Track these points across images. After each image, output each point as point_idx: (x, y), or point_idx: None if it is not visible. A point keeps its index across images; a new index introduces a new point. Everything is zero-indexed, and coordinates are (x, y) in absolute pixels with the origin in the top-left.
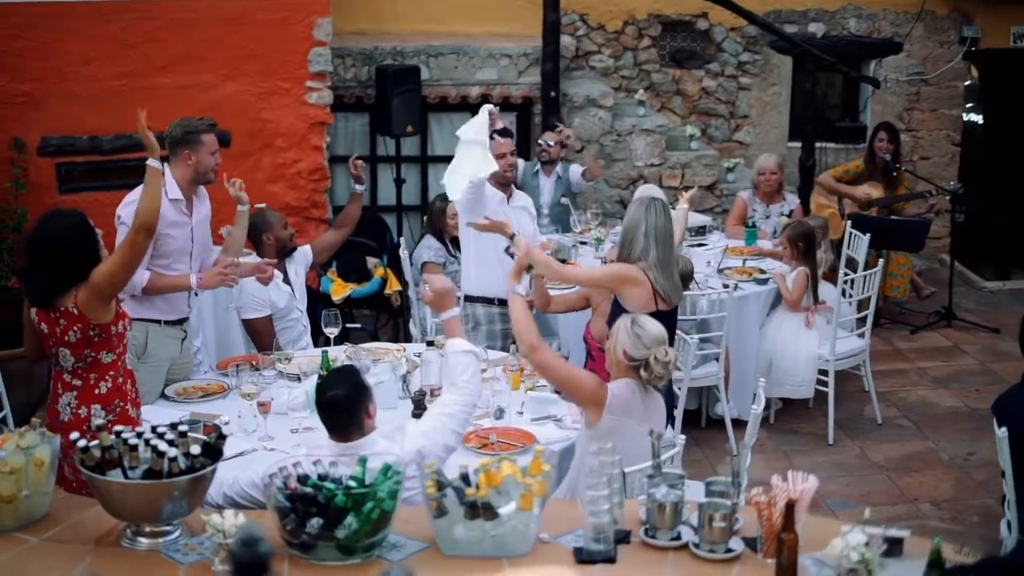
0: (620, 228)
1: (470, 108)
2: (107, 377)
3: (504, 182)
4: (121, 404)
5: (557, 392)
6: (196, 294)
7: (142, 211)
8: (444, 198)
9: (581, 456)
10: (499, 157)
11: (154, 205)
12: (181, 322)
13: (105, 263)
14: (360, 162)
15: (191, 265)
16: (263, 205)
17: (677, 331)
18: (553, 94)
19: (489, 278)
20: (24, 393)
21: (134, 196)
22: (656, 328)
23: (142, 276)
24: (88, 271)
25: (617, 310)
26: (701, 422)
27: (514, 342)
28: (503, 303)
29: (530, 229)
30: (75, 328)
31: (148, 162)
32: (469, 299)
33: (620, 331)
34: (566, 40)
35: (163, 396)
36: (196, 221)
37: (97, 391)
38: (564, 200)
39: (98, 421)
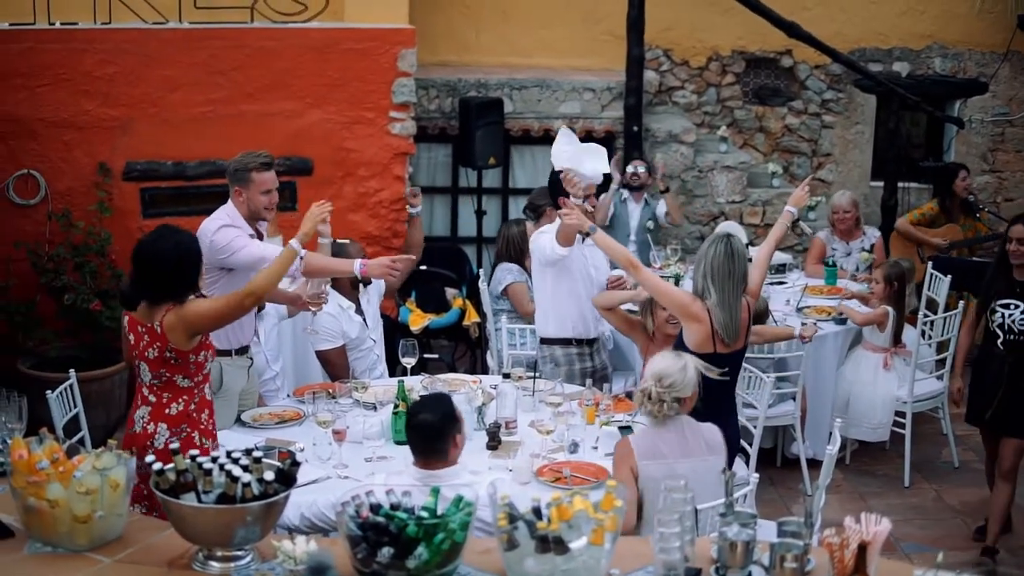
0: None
1: (552, 142)
2: (180, 400)
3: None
4: (188, 430)
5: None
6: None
7: (259, 281)
8: (519, 222)
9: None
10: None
11: (274, 279)
12: (246, 349)
13: (205, 302)
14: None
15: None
16: (347, 240)
17: (752, 368)
18: (636, 128)
19: (566, 318)
20: (103, 414)
21: (219, 217)
22: (661, 363)
23: (296, 263)
24: (184, 293)
25: (679, 345)
26: (776, 461)
27: (593, 378)
28: (580, 343)
29: (605, 266)
30: (155, 346)
31: (292, 242)
32: (546, 341)
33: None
34: (649, 75)
35: (239, 421)
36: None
37: (167, 411)
38: (650, 224)
39: (162, 439)
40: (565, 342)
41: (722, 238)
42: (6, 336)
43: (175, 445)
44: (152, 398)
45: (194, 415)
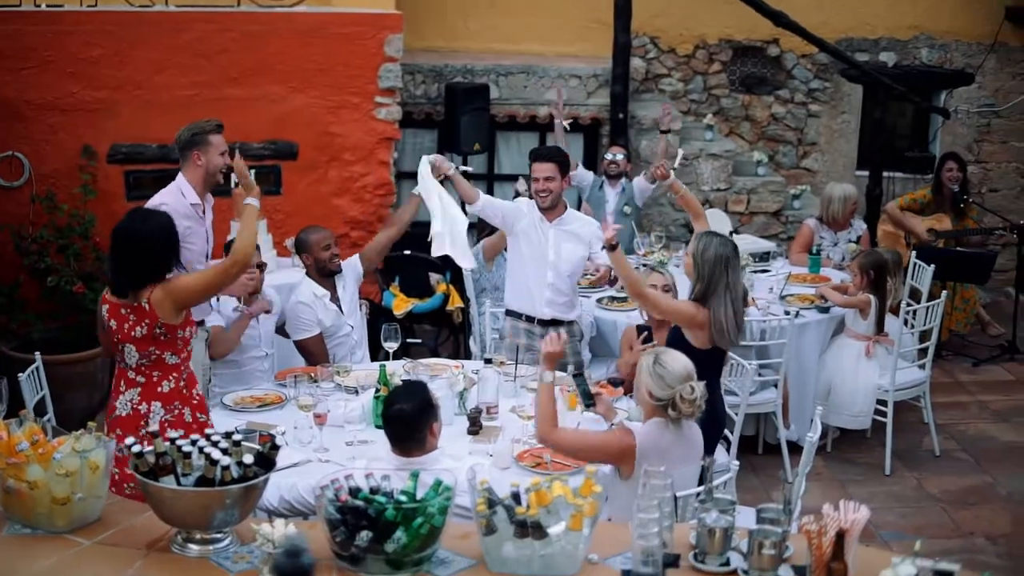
0: (684, 252)
1: (538, 128)
2: (170, 377)
3: (541, 206)
4: (180, 406)
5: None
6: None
7: (239, 246)
8: None
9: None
10: (535, 181)
11: (251, 241)
12: (202, 323)
13: (191, 276)
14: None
15: (206, 265)
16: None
17: (733, 356)
18: (621, 116)
19: (511, 291)
20: (85, 396)
21: (162, 199)
22: (679, 366)
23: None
24: (165, 272)
25: (677, 338)
26: (758, 448)
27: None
28: (530, 320)
29: (576, 255)
30: (143, 324)
31: (247, 200)
32: (506, 313)
33: (643, 371)
34: (636, 63)
35: (221, 405)
36: (208, 223)
37: (160, 389)
38: (627, 209)
39: (156, 417)
40: (515, 315)
41: (713, 235)
42: None
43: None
44: (141, 379)
45: (184, 391)
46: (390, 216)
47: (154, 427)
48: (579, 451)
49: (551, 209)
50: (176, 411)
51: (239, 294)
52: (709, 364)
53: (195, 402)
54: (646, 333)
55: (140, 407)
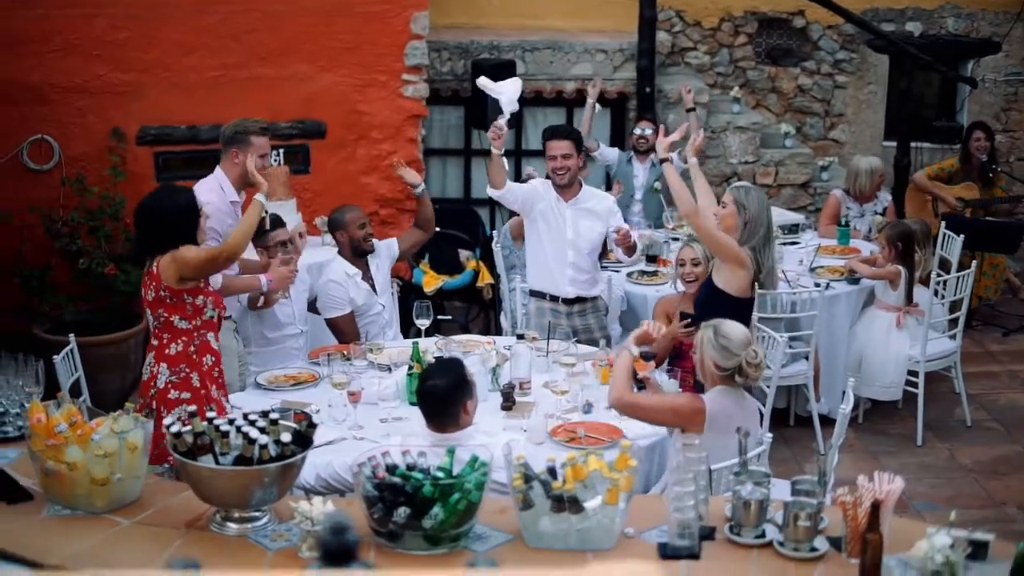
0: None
1: (565, 103)
2: (179, 341)
3: (556, 184)
4: (187, 370)
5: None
6: (263, 293)
7: (233, 238)
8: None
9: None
10: (551, 159)
11: (246, 235)
12: (229, 316)
13: (193, 250)
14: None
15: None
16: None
17: (764, 329)
18: (648, 90)
19: (534, 272)
20: (118, 377)
21: (206, 197)
22: (739, 332)
23: (216, 280)
24: (179, 244)
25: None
26: (790, 420)
27: (578, 341)
28: (555, 300)
29: (594, 231)
30: (151, 286)
31: (256, 195)
32: (531, 294)
33: (705, 345)
34: (662, 36)
35: (255, 384)
36: None
37: (167, 351)
38: (657, 184)
39: (162, 379)
40: (539, 295)
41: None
42: (22, 301)
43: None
44: (155, 342)
45: (194, 356)
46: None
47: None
48: (654, 412)
49: (567, 188)
50: (182, 374)
51: (281, 288)
52: (744, 316)
53: (207, 370)
54: (688, 320)
55: (152, 369)
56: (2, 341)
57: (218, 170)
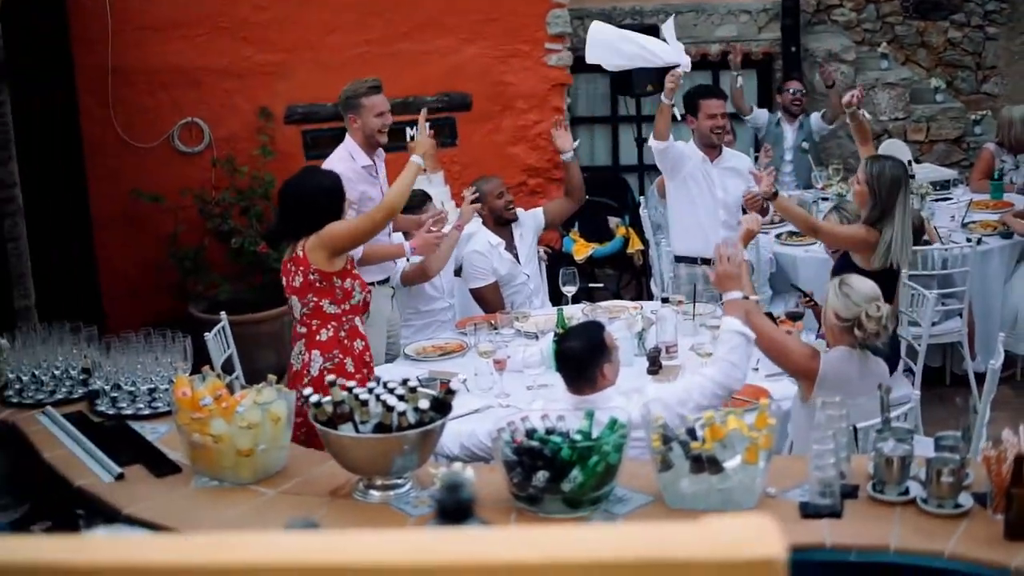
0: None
1: (710, 66)
2: (329, 326)
3: (710, 143)
4: (340, 356)
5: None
6: (408, 260)
7: (390, 196)
8: None
9: (797, 431)
10: (710, 118)
11: (403, 193)
12: (387, 280)
13: (343, 223)
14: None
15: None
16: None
17: (914, 286)
18: (794, 49)
19: (685, 236)
20: (274, 354)
21: (333, 165)
22: (866, 285)
23: (357, 250)
24: (323, 225)
25: (846, 266)
26: (945, 380)
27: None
28: (706, 262)
29: (740, 189)
30: (299, 271)
31: (412, 157)
32: (677, 259)
33: (829, 294)
34: None
35: (404, 355)
36: (383, 180)
37: (318, 337)
38: (806, 145)
39: (316, 365)
40: (690, 260)
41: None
42: (177, 282)
43: (330, 377)
44: (303, 329)
45: (345, 341)
46: (565, 185)
47: (315, 374)
48: (771, 342)
49: (713, 148)
50: (336, 359)
51: (426, 254)
52: (881, 286)
53: (358, 355)
54: (808, 297)
55: (304, 357)
56: (160, 322)
57: (347, 138)
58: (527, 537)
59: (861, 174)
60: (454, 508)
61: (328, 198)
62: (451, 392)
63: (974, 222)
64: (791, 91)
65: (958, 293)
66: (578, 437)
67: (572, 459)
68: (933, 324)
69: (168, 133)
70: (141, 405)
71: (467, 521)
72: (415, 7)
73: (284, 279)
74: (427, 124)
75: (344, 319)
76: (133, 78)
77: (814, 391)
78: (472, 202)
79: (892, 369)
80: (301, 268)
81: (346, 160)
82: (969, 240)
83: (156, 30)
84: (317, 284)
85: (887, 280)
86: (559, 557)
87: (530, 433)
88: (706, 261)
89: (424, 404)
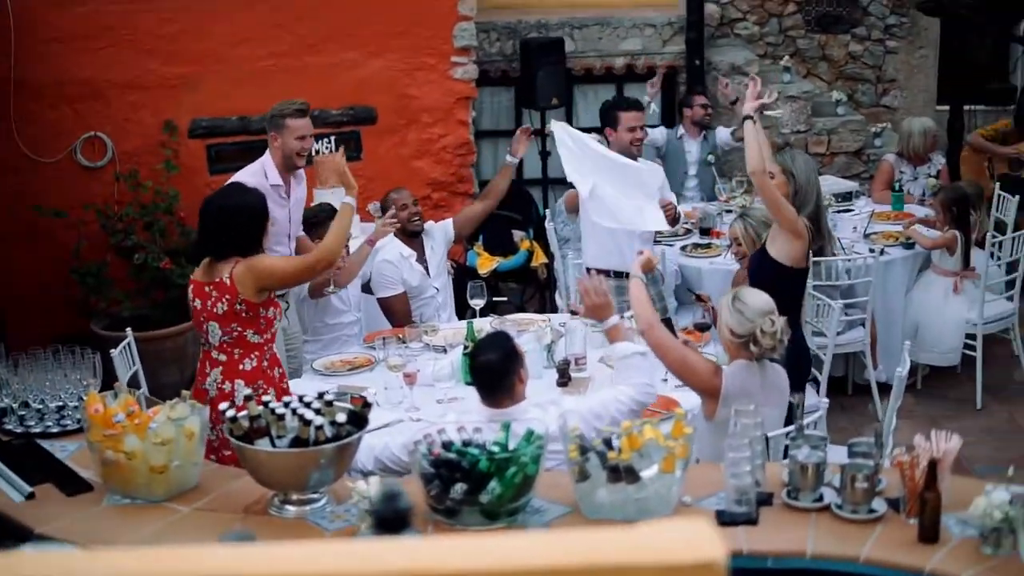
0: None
1: (615, 79)
2: (252, 356)
3: (629, 156)
4: (264, 386)
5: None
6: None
7: (327, 244)
8: None
9: (702, 447)
10: (630, 131)
11: (340, 240)
12: (285, 294)
13: (279, 261)
14: (528, 130)
15: (289, 246)
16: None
17: (820, 296)
18: (698, 62)
19: (601, 249)
20: (177, 371)
21: (243, 178)
22: (759, 300)
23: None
24: (249, 248)
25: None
26: (847, 389)
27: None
28: (619, 276)
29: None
30: (224, 299)
31: (344, 199)
32: (589, 270)
33: (723, 309)
34: (710, 8)
35: (312, 370)
36: (293, 203)
37: (241, 367)
38: (711, 158)
39: (241, 395)
40: (603, 273)
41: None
42: (79, 298)
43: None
44: (223, 357)
45: (268, 371)
46: (488, 187)
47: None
48: (674, 358)
49: (632, 159)
50: (260, 391)
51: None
52: (796, 286)
53: (278, 383)
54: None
55: (224, 386)
56: (62, 339)
57: (266, 154)
58: (470, 546)
59: (775, 167)
60: (392, 517)
61: (252, 218)
62: (367, 405)
63: (876, 233)
64: (699, 105)
65: (861, 303)
66: (495, 449)
67: (490, 471)
68: (837, 334)
69: (71, 147)
70: (50, 423)
71: (404, 530)
72: (323, 20)
73: (198, 300)
74: (332, 142)
75: (266, 348)
76: (36, 91)
77: (718, 407)
78: (381, 216)
79: (805, 376)
80: (227, 296)
81: (258, 175)
82: (872, 251)
83: (60, 42)
84: (243, 314)
85: (800, 279)
86: (505, 565)
87: (447, 445)
88: (619, 274)
89: (341, 418)
